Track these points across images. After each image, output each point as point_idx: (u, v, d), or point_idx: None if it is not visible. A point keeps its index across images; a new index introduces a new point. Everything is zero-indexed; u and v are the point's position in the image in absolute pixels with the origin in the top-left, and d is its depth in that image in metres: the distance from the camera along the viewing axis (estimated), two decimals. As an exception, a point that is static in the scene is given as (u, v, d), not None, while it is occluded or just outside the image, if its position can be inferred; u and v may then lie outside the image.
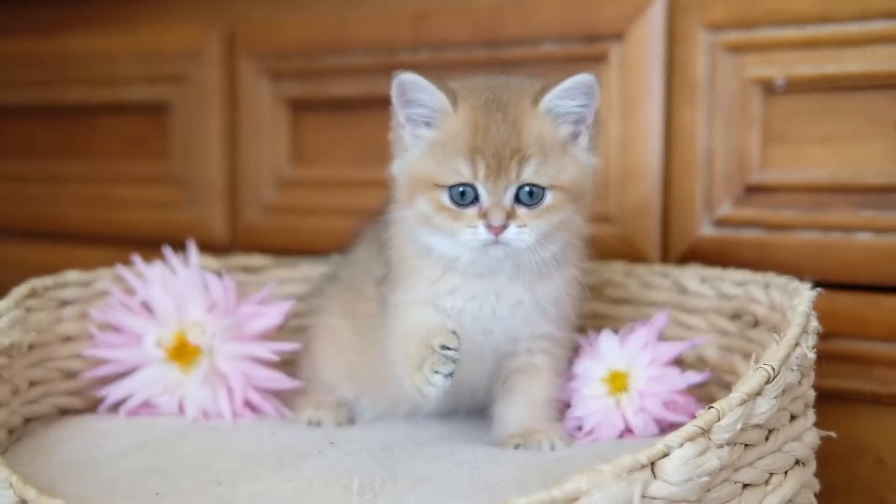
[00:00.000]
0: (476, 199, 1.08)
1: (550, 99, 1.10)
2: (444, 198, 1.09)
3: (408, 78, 1.10)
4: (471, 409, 1.29)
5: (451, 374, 1.06)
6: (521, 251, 1.09)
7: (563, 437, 1.18)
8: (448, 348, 1.06)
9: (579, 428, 1.22)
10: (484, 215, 1.08)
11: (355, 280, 1.29)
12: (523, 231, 1.08)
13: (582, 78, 1.09)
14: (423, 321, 1.13)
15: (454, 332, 1.08)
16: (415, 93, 1.11)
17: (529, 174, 1.08)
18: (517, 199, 1.08)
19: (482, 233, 1.08)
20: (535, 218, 1.08)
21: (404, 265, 1.17)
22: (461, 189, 1.08)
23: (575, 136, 1.12)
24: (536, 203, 1.09)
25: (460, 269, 1.14)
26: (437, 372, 1.05)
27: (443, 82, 1.11)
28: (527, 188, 1.08)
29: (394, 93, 1.12)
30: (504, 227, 1.07)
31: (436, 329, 1.10)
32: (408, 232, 1.16)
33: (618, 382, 1.21)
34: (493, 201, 1.07)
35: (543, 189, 1.09)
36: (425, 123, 1.12)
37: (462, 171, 1.08)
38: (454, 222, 1.09)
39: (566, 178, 1.10)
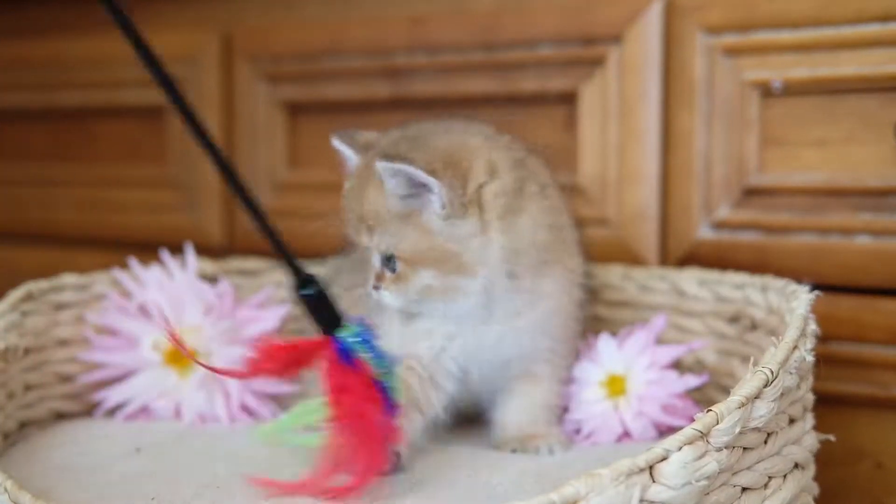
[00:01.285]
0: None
1: (378, 172, 1.08)
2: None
3: (336, 143, 1.21)
4: (473, 415, 1.29)
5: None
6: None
7: (563, 442, 1.18)
8: None
9: (577, 431, 1.22)
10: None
11: (355, 284, 1.29)
12: (385, 295, 1.13)
13: (395, 168, 1.06)
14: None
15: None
16: (346, 160, 1.20)
17: (375, 241, 1.12)
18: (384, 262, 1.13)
19: (369, 285, 1.14)
20: (394, 282, 1.12)
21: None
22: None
23: (423, 204, 1.09)
24: (393, 269, 1.12)
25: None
26: None
27: (355, 141, 1.19)
28: (381, 254, 1.12)
29: None
30: (378, 287, 1.13)
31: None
32: None
33: (616, 386, 1.21)
34: (370, 261, 1.14)
35: (392, 256, 1.11)
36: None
37: (347, 227, 1.16)
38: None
39: (406, 248, 1.10)
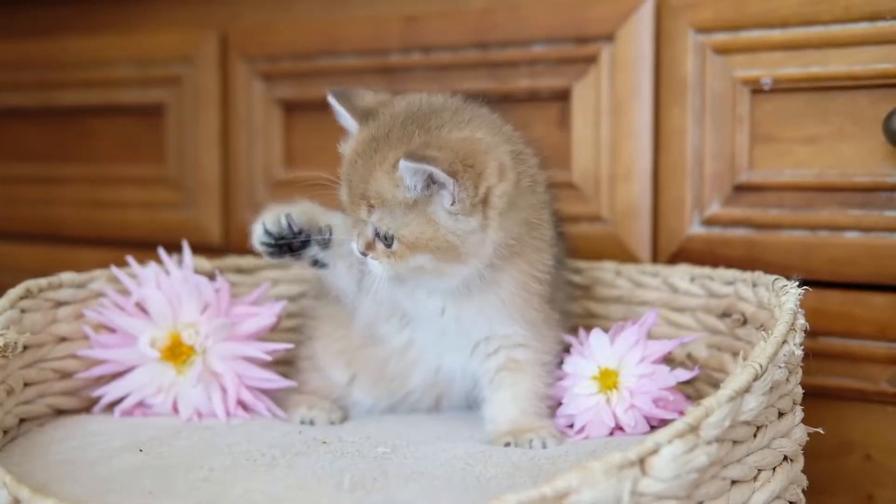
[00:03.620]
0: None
1: (401, 168, 1.10)
2: None
3: (332, 102, 1.23)
4: (457, 405, 1.31)
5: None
6: (381, 279, 1.16)
7: (555, 435, 1.19)
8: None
9: (570, 426, 1.23)
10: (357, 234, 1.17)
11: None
12: (374, 265, 1.16)
13: (419, 168, 1.08)
14: None
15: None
16: (339, 117, 1.23)
17: (375, 219, 1.13)
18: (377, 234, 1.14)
19: (355, 246, 1.17)
20: (387, 256, 1.14)
21: None
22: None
23: (433, 197, 1.11)
24: (389, 245, 1.13)
25: None
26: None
27: (358, 108, 1.21)
28: (376, 230, 1.14)
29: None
30: (364, 253, 1.16)
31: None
32: None
33: (608, 380, 1.22)
34: (359, 228, 1.16)
35: (392, 236, 1.13)
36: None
37: (341, 191, 1.18)
38: (353, 227, 1.18)
39: (408, 234, 1.12)
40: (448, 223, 1.11)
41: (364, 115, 1.19)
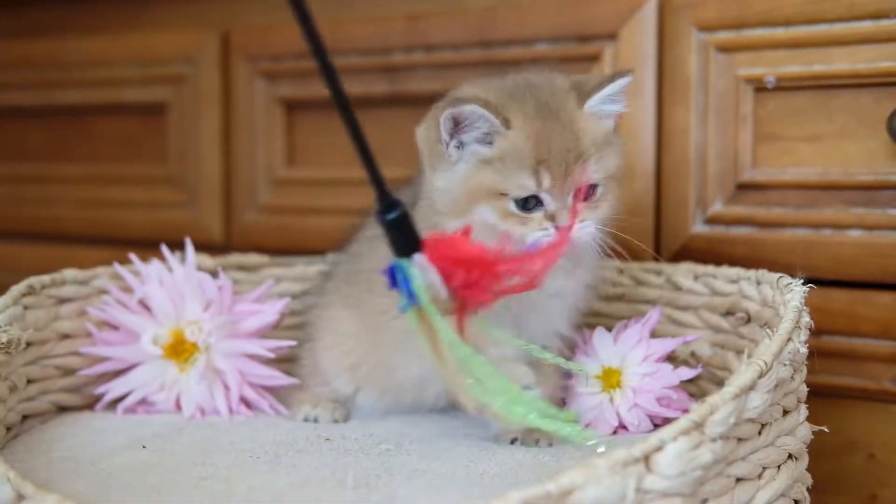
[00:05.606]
0: (537, 203, 1.11)
1: (595, 103, 1.13)
2: (511, 206, 1.11)
3: (465, 109, 1.10)
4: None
5: None
6: (586, 244, 1.13)
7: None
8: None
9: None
10: (551, 218, 1.10)
11: (361, 274, 1.29)
12: (585, 225, 1.11)
13: (624, 81, 1.13)
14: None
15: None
16: (468, 121, 1.11)
17: (590, 170, 1.11)
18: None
19: (552, 234, 1.10)
20: (593, 210, 1.13)
21: None
22: (526, 198, 1.11)
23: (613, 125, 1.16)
24: (591, 195, 1.13)
25: None
26: None
27: (492, 104, 1.11)
28: (586, 185, 1.12)
29: (443, 123, 1.12)
30: (571, 226, 1.09)
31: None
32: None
33: (611, 379, 1.22)
34: (557, 205, 1.10)
35: (596, 184, 1.13)
36: (478, 142, 1.13)
37: (527, 185, 1.10)
38: (522, 227, 1.11)
39: (613, 168, 1.14)
40: (620, 143, 1.16)
41: (504, 117, 1.12)
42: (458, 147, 1.13)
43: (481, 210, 1.12)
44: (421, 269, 0.94)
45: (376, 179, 0.95)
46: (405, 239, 0.95)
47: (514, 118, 1.11)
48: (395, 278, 0.95)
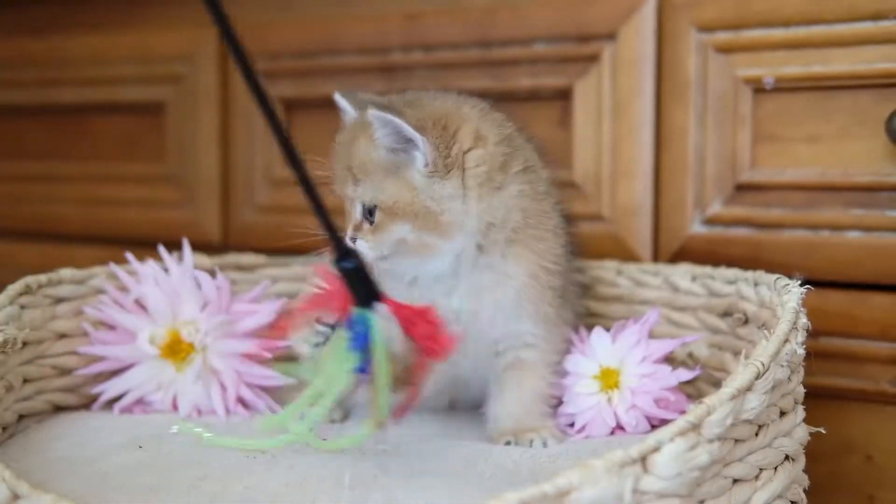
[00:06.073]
0: None
1: (370, 118, 1.12)
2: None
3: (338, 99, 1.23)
4: (471, 405, 1.30)
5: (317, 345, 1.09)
6: (373, 263, 1.13)
7: (556, 435, 1.18)
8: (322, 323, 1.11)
9: (571, 425, 1.23)
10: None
11: None
12: (361, 244, 1.14)
13: (386, 118, 1.10)
14: None
15: None
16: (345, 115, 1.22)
17: (359, 191, 1.14)
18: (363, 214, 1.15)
19: (347, 234, 1.15)
20: (372, 233, 1.14)
21: None
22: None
23: (409, 160, 1.12)
24: (371, 220, 1.14)
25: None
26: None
27: (360, 99, 1.19)
28: (363, 205, 1.14)
29: None
30: (354, 238, 1.14)
31: None
32: None
33: (609, 379, 1.22)
34: (351, 212, 1.16)
35: (374, 207, 1.13)
36: None
37: (333, 177, 1.18)
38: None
39: (386, 198, 1.12)
40: (425, 187, 1.12)
41: (363, 106, 1.17)
42: None
43: None
44: (382, 317, 0.96)
45: (328, 227, 0.97)
46: (363, 288, 0.98)
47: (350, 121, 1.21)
48: (353, 330, 0.97)
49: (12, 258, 2.02)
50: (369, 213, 1.14)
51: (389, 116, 1.09)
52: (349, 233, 1.15)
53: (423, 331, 0.98)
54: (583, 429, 1.21)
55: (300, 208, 1.74)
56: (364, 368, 1.00)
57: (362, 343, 0.99)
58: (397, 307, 1.00)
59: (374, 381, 1.00)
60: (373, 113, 1.09)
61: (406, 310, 1.00)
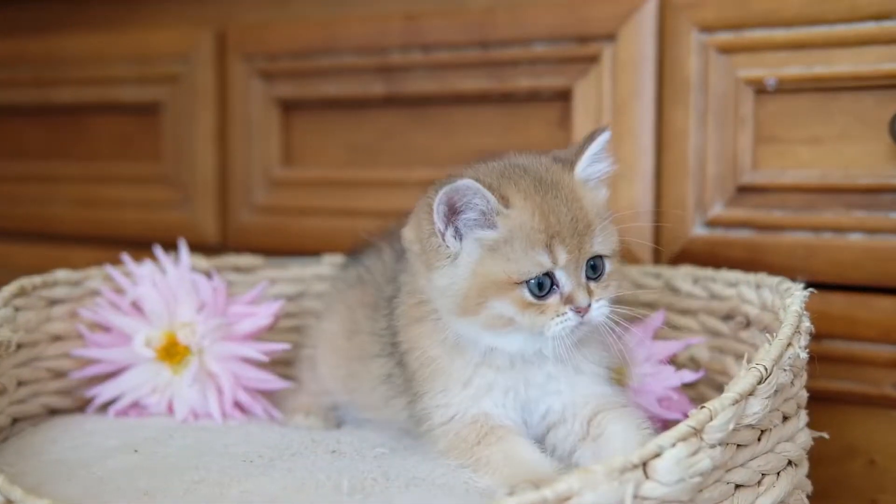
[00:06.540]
0: (552, 286, 1.03)
1: (584, 166, 1.08)
2: (527, 294, 1.02)
3: (459, 185, 1.01)
4: None
5: None
6: (599, 325, 1.05)
7: None
8: None
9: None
10: (568, 300, 1.02)
11: (354, 311, 1.28)
12: (601, 305, 1.04)
13: (603, 137, 1.09)
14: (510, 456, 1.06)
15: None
16: (464, 200, 1.02)
17: (598, 245, 1.04)
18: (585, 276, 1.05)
19: (572, 318, 1.02)
20: (604, 289, 1.05)
21: (431, 366, 1.11)
22: (540, 280, 1.02)
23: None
24: (600, 274, 1.05)
25: (496, 362, 1.09)
26: None
27: (486, 181, 1.03)
28: (591, 262, 1.04)
29: (437, 209, 1.03)
30: (589, 306, 1.03)
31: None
32: (440, 330, 1.09)
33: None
34: (574, 283, 1.03)
35: (603, 258, 1.05)
36: (478, 226, 1.03)
37: (543, 262, 1.02)
38: (541, 316, 1.02)
39: (615, 241, 1.07)
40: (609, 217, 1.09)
41: (501, 195, 1.04)
42: (456, 237, 1.04)
43: (495, 304, 1.03)
44: None
45: None
46: None
47: (512, 195, 1.03)
48: None
49: (8, 259, 2.01)
50: (593, 268, 1.05)
51: (603, 135, 1.08)
52: (585, 300, 1.02)
53: None
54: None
55: (298, 209, 1.75)
56: None
57: None
58: None
59: None
60: (600, 135, 1.08)
61: None
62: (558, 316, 1.02)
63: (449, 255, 1.05)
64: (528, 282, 1.02)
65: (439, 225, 1.03)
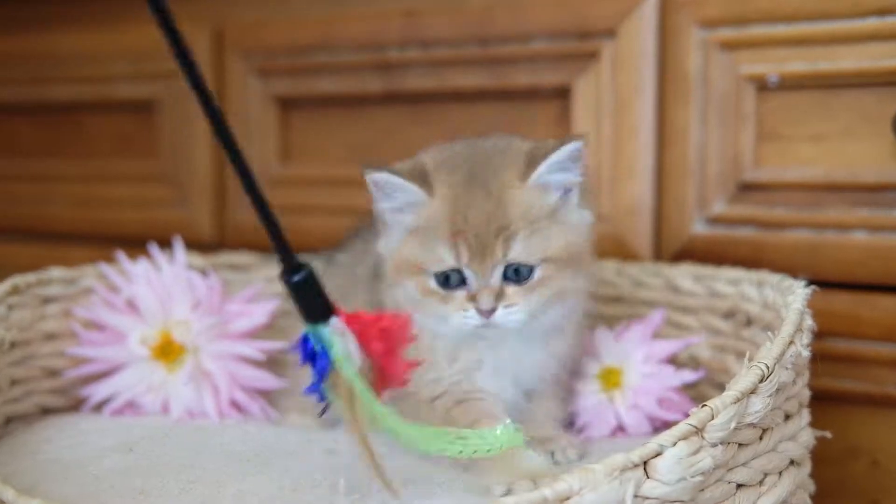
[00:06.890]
0: (464, 281, 1.03)
1: (540, 174, 1.04)
2: (431, 282, 1.04)
3: (379, 178, 1.05)
4: None
5: None
6: (512, 330, 1.05)
7: (575, 446, 1.12)
8: None
9: (571, 424, 1.21)
10: (473, 298, 1.03)
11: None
12: (511, 311, 1.03)
13: (573, 147, 1.03)
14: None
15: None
16: (388, 189, 1.05)
17: (516, 253, 1.02)
18: (506, 277, 1.03)
19: (473, 316, 1.03)
20: (526, 294, 1.03)
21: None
22: (447, 273, 1.03)
23: (565, 198, 1.06)
24: (526, 279, 1.03)
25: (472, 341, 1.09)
26: None
27: (415, 169, 1.05)
28: (514, 266, 1.03)
29: (370, 187, 1.07)
30: (493, 309, 1.02)
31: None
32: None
33: (611, 379, 1.21)
34: (479, 284, 1.02)
35: (531, 265, 1.03)
36: (401, 211, 1.07)
37: (444, 257, 1.03)
38: (444, 305, 1.04)
39: (555, 249, 1.04)
40: (576, 221, 1.06)
41: (421, 175, 1.06)
42: (391, 214, 1.08)
43: (406, 285, 1.07)
44: (339, 333, 0.87)
45: (277, 237, 0.88)
46: (315, 303, 0.88)
47: (439, 186, 1.04)
48: (307, 350, 0.89)
49: (4, 258, 2.00)
50: (516, 272, 1.03)
51: (571, 146, 1.02)
52: (487, 304, 1.02)
53: (380, 349, 0.89)
54: (583, 428, 1.20)
55: (296, 207, 1.74)
56: (316, 388, 0.91)
57: (322, 363, 0.89)
58: (351, 318, 0.90)
59: (348, 397, 0.90)
60: (569, 143, 1.02)
61: (360, 322, 0.90)
62: (463, 311, 1.03)
63: (387, 226, 1.09)
64: (434, 273, 1.04)
65: (375, 199, 1.08)
